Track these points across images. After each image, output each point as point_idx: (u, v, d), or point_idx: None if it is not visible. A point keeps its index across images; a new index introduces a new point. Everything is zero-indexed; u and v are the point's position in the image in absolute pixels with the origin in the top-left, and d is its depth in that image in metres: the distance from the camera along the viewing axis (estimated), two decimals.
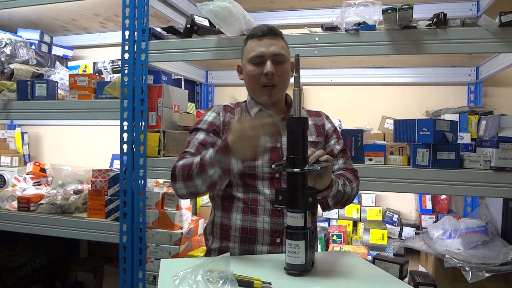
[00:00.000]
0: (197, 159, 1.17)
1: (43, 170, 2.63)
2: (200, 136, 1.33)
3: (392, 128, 1.85)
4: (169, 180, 2.19)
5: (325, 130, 1.42)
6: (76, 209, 2.11)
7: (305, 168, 1.02)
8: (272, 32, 1.32)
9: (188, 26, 1.84)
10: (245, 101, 1.44)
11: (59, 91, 2.20)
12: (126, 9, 1.87)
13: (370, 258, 1.96)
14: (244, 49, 1.37)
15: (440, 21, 1.57)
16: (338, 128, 2.11)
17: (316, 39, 1.69)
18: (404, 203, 2.44)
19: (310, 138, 1.34)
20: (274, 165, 1.09)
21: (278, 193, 1.05)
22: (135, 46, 1.88)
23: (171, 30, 1.95)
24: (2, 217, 2.08)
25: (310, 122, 1.38)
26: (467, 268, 1.60)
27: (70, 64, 2.67)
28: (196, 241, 2.05)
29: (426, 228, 2.08)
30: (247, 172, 1.29)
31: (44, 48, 2.58)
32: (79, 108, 2.00)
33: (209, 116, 1.38)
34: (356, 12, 1.70)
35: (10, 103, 2.11)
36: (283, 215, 1.27)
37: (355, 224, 2.35)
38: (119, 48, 1.90)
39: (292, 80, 1.18)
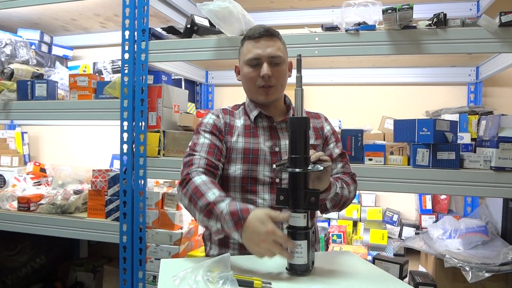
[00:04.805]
0: (210, 194, 1.10)
1: (43, 170, 2.63)
2: (206, 141, 1.30)
3: (392, 128, 1.85)
4: (169, 180, 2.22)
5: (324, 133, 1.41)
6: (76, 209, 2.11)
7: (308, 168, 1.02)
8: (268, 33, 1.31)
9: (188, 26, 1.84)
10: (243, 103, 1.44)
11: (59, 91, 2.19)
12: (126, 9, 1.87)
13: (370, 258, 1.96)
14: (241, 50, 1.37)
15: (440, 21, 1.57)
16: (338, 128, 2.13)
17: (316, 39, 1.69)
18: (404, 203, 2.44)
19: None
20: (275, 165, 1.08)
21: (279, 193, 1.04)
22: (135, 46, 1.88)
23: (171, 30, 1.95)
24: (2, 217, 2.08)
25: None
26: (467, 268, 1.60)
27: (70, 64, 2.67)
28: (196, 241, 2.05)
29: (426, 228, 2.08)
30: (248, 176, 1.28)
31: (44, 48, 2.58)
32: (79, 108, 1.99)
33: (210, 119, 1.37)
34: (356, 12, 1.70)
35: (10, 103, 2.10)
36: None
37: (355, 224, 2.35)
38: (119, 48, 1.90)
39: (293, 80, 1.17)
